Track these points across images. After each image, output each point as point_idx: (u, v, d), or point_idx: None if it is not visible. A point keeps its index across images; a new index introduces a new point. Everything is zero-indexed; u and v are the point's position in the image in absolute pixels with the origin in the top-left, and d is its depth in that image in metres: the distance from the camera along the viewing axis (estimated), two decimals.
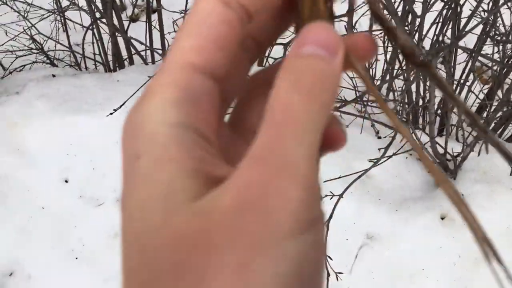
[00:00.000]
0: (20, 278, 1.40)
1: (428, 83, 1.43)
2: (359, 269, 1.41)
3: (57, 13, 2.05)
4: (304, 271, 0.17)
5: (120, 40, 1.93)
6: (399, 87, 1.60)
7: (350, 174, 1.17)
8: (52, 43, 2.15)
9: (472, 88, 1.62)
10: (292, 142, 0.18)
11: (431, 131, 1.42)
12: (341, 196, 1.07)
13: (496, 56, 1.55)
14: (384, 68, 1.62)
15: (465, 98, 1.64)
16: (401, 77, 1.49)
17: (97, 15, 1.83)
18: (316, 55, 0.19)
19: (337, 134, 0.22)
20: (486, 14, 1.33)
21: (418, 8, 1.27)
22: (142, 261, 0.18)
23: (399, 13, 1.33)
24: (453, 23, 1.35)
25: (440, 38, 1.41)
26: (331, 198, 1.06)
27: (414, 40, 1.34)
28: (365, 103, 1.49)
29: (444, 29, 1.40)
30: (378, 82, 1.67)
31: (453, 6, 1.31)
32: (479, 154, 1.56)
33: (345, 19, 1.01)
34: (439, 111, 1.73)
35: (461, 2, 1.34)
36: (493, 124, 1.74)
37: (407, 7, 1.25)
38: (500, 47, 1.49)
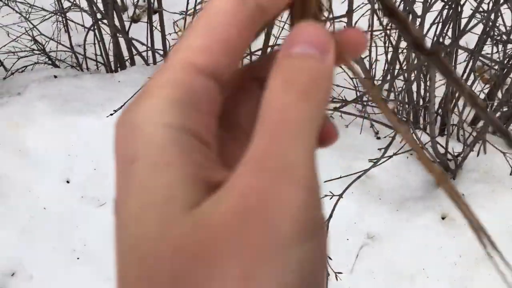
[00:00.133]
0: (22, 278, 1.41)
1: (428, 83, 1.43)
2: (360, 269, 1.41)
3: (58, 14, 2.05)
4: (309, 278, 0.17)
5: (122, 41, 1.93)
6: (399, 87, 1.60)
7: (350, 174, 1.17)
8: (53, 44, 2.16)
9: (473, 88, 1.62)
10: (290, 144, 0.17)
11: (431, 131, 1.42)
12: (340, 196, 1.07)
13: (497, 56, 1.55)
14: (385, 68, 1.62)
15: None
16: (401, 77, 1.50)
17: (99, 16, 1.83)
18: (308, 55, 0.19)
19: (328, 130, 0.22)
20: (486, 14, 1.33)
21: (418, 8, 1.27)
22: (139, 274, 0.17)
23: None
24: (454, 23, 1.35)
25: (441, 38, 1.41)
26: (331, 198, 1.06)
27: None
28: (365, 103, 1.49)
29: (445, 29, 1.40)
30: (379, 83, 1.67)
31: (453, 6, 1.31)
32: (478, 154, 1.56)
33: (345, 19, 1.01)
34: (439, 111, 1.73)
35: (462, 2, 1.34)
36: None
37: (407, 8, 1.26)
38: (501, 47, 1.49)
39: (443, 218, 1.47)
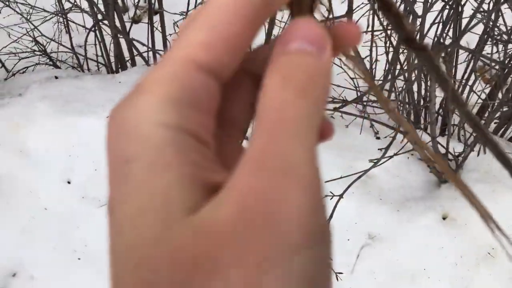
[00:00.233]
0: (23, 279, 1.41)
1: (429, 83, 1.43)
2: (361, 269, 1.41)
3: (59, 15, 2.06)
4: (316, 284, 0.16)
5: (122, 42, 1.94)
6: (399, 87, 1.60)
7: (351, 175, 1.17)
8: (54, 45, 2.16)
9: (474, 88, 1.62)
10: (289, 142, 0.17)
11: (432, 131, 1.42)
12: (341, 196, 1.07)
13: (497, 56, 1.55)
14: (386, 69, 1.62)
15: (466, 98, 1.64)
16: (402, 77, 1.50)
17: (99, 16, 1.84)
18: (304, 51, 0.18)
19: (324, 126, 0.21)
20: (486, 14, 1.33)
21: (418, 8, 1.27)
22: (135, 281, 0.16)
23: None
24: (454, 23, 1.35)
25: (442, 38, 1.41)
26: (331, 199, 1.06)
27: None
28: (365, 103, 1.49)
29: (446, 29, 1.40)
30: (379, 83, 1.67)
31: (454, 6, 1.31)
32: (478, 154, 1.56)
33: (345, 19, 1.01)
34: (440, 111, 1.73)
35: (462, 2, 1.34)
36: (494, 125, 1.74)
37: (408, 8, 1.26)
38: (501, 47, 1.49)
39: (444, 219, 1.47)
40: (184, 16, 1.56)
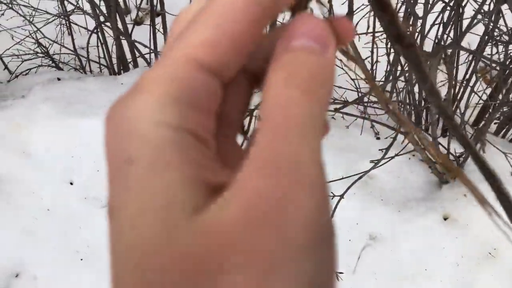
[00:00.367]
0: (26, 279, 1.42)
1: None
2: (362, 270, 1.42)
3: (62, 17, 2.07)
4: (321, 285, 0.16)
5: (125, 43, 1.94)
6: (400, 88, 1.60)
7: (352, 175, 1.17)
8: (57, 46, 2.17)
9: (475, 89, 1.62)
10: (297, 143, 0.16)
11: (433, 131, 1.43)
12: (342, 196, 1.07)
13: (498, 56, 1.55)
14: (387, 69, 1.62)
15: (467, 99, 1.64)
16: (403, 78, 1.50)
17: (102, 18, 1.85)
18: (308, 48, 0.18)
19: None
20: (487, 14, 1.33)
21: (419, 9, 1.27)
22: (137, 282, 0.16)
23: (401, 15, 1.33)
24: (455, 24, 1.35)
25: (443, 40, 1.41)
26: (332, 199, 1.07)
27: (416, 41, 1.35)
28: (366, 104, 1.49)
29: (447, 30, 1.41)
30: (380, 84, 1.67)
31: (455, 7, 1.31)
32: None
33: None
34: None
35: (463, 4, 1.34)
36: (494, 125, 1.74)
37: (409, 9, 1.26)
38: (502, 48, 1.49)
39: (445, 219, 1.47)
40: None
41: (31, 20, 2.05)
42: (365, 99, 1.47)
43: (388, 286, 1.39)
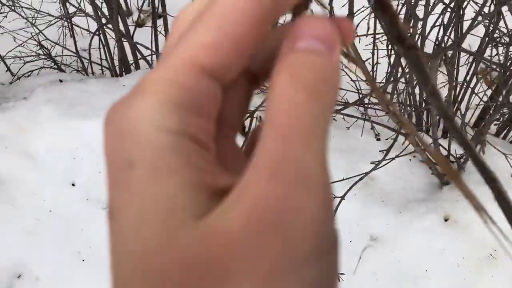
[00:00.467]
0: (28, 280, 1.42)
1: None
2: (363, 271, 1.42)
3: (64, 19, 2.08)
4: None
5: (126, 45, 1.95)
6: (401, 90, 1.60)
7: (353, 177, 1.18)
8: (59, 48, 2.18)
9: (476, 90, 1.62)
10: (304, 149, 0.16)
11: (434, 133, 1.43)
12: (342, 197, 1.08)
13: (499, 58, 1.55)
14: (388, 71, 1.63)
15: (468, 100, 1.64)
16: (403, 79, 1.50)
17: (104, 20, 1.85)
18: (314, 50, 0.18)
19: None
20: (487, 16, 1.33)
21: (419, 11, 1.28)
22: (139, 287, 0.16)
23: (401, 16, 1.34)
24: (456, 26, 1.35)
25: (444, 41, 1.42)
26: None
27: (417, 43, 1.35)
28: (367, 105, 1.50)
29: (448, 32, 1.41)
30: (381, 85, 1.68)
31: (455, 9, 1.31)
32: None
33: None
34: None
35: (464, 5, 1.35)
36: (494, 126, 1.74)
37: (409, 11, 1.26)
38: (502, 49, 1.50)
39: (446, 220, 1.47)
40: None
41: (33, 22, 2.06)
42: (366, 100, 1.48)
43: (389, 287, 1.39)
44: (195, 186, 0.16)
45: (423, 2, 1.29)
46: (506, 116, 1.70)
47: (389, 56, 1.55)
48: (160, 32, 1.91)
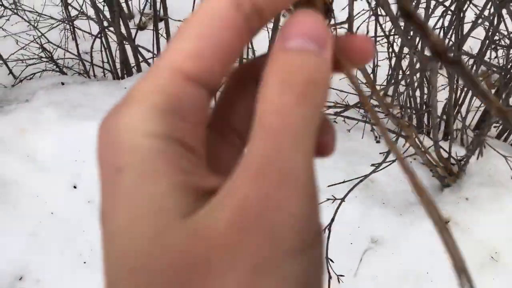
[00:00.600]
0: (29, 283, 1.43)
1: (430, 88, 1.44)
2: (364, 273, 1.42)
3: (66, 22, 2.09)
4: (309, 286, 0.17)
5: (128, 48, 1.96)
6: (402, 92, 1.61)
7: (353, 179, 1.18)
8: (61, 51, 2.19)
9: None
10: (289, 150, 0.16)
11: (434, 135, 1.43)
12: (343, 200, 1.08)
13: (500, 60, 1.55)
14: (389, 73, 1.63)
15: (469, 103, 1.65)
16: (404, 82, 1.51)
17: (105, 23, 1.86)
18: (305, 50, 0.18)
19: (325, 143, 0.21)
20: (490, 19, 1.34)
21: (420, 13, 1.28)
22: (131, 286, 0.16)
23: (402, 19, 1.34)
24: (456, 29, 1.36)
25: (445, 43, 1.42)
26: (333, 202, 1.07)
27: (417, 45, 1.35)
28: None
29: (448, 34, 1.41)
30: (381, 88, 1.68)
31: (456, 12, 1.32)
32: (478, 158, 1.57)
33: (345, 25, 1.02)
34: (444, 116, 1.74)
35: (464, 8, 1.35)
36: (494, 129, 1.74)
37: None
38: (502, 52, 1.50)
39: (446, 222, 1.47)
40: None
41: (35, 25, 2.07)
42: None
43: None
44: (181, 188, 0.17)
45: (424, 5, 1.29)
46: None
47: (389, 58, 1.55)
48: (161, 35, 1.92)
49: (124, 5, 2.15)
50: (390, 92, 1.93)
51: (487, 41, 1.45)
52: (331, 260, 1.04)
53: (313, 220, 0.17)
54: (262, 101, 0.17)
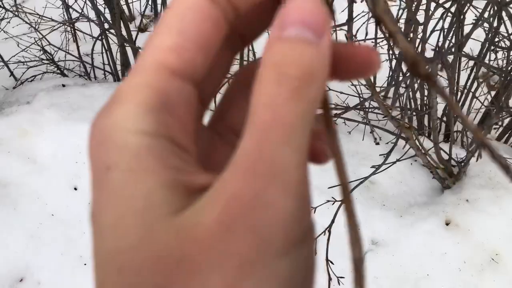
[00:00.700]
0: (30, 284, 1.43)
1: (430, 89, 1.44)
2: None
3: (67, 24, 2.09)
4: (297, 286, 0.16)
5: (129, 50, 1.96)
6: (401, 93, 1.61)
7: (353, 181, 1.18)
8: (62, 53, 2.19)
9: (476, 94, 1.62)
10: (280, 147, 0.16)
11: (434, 137, 1.43)
12: (342, 202, 1.08)
13: (500, 62, 1.55)
14: (389, 75, 1.63)
15: (469, 105, 1.65)
16: (404, 84, 1.51)
17: (106, 26, 1.87)
18: (301, 39, 0.17)
19: (319, 150, 0.21)
20: (490, 20, 1.34)
21: (420, 15, 1.28)
22: (118, 285, 0.16)
23: (402, 21, 1.34)
24: (456, 31, 1.36)
25: (444, 45, 1.42)
26: (333, 204, 1.07)
27: (417, 48, 1.36)
28: (367, 109, 1.50)
29: (449, 36, 1.41)
30: (382, 89, 1.68)
31: (456, 14, 1.32)
32: (477, 159, 1.57)
33: (345, 28, 1.02)
34: (444, 118, 1.74)
35: (464, 10, 1.35)
36: (494, 130, 1.74)
37: (410, 18, 1.27)
38: (502, 54, 1.50)
39: (447, 224, 1.47)
40: None
41: (36, 27, 2.07)
42: (366, 104, 1.48)
43: None
44: (171, 185, 0.17)
45: (424, 7, 1.29)
46: (506, 121, 1.70)
47: (390, 60, 1.56)
48: None
49: (125, 7, 2.15)
50: (390, 94, 1.93)
51: (487, 43, 1.45)
52: (331, 262, 1.04)
53: (302, 220, 0.16)
54: (256, 94, 0.17)
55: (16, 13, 2.06)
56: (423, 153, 1.33)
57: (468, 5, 1.31)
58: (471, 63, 1.63)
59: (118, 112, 0.18)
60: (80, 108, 1.74)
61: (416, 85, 1.55)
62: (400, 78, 1.52)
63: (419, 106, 1.64)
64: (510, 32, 1.39)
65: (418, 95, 1.61)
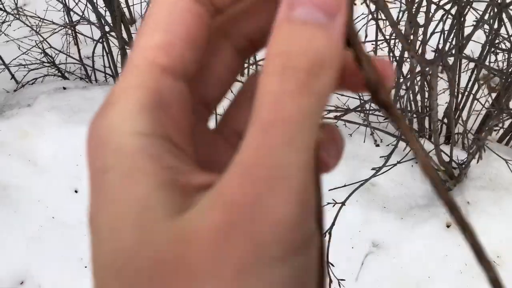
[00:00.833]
0: (31, 287, 1.43)
1: (430, 91, 1.44)
2: (365, 277, 1.41)
3: (68, 27, 2.10)
4: None
5: (130, 53, 1.96)
6: (402, 95, 1.61)
7: (354, 183, 1.18)
8: (63, 56, 2.20)
9: (477, 96, 1.62)
10: (283, 147, 0.15)
11: (435, 139, 1.43)
12: (343, 204, 1.08)
13: (501, 64, 1.55)
14: None
15: (470, 107, 1.64)
16: (404, 86, 1.51)
17: (107, 28, 1.87)
18: (312, 22, 0.15)
19: (324, 159, 0.19)
20: (490, 22, 1.34)
21: (420, 17, 1.28)
22: (117, 286, 0.16)
23: (402, 23, 1.34)
24: (457, 33, 1.36)
25: (445, 47, 1.42)
26: (333, 206, 1.07)
27: (417, 50, 1.36)
28: (368, 111, 1.50)
29: (449, 38, 1.41)
30: None
31: (457, 15, 1.32)
32: (478, 161, 1.56)
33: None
34: (445, 120, 1.74)
35: (464, 12, 1.35)
36: (497, 134, 1.74)
37: (410, 20, 1.27)
38: (503, 56, 1.50)
39: (448, 226, 1.47)
40: None
41: (37, 30, 2.07)
42: (367, 106, 1.48)
43: None
44: (167, 186, 0.16)
45: (424, 9, 1.29)
46: (506, 123, 1.70)
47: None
48: None
49: (125, 10, 2.16)
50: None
51: (488, 45, 1.45)
52: (332, 265, 1.04)
53: (304, 226, 0.16)
54: (259, 90, 0.16)
55: (17, 16, 2.06)
56: (424, 156, 1.33)
57: (469, 7, 1.31)
58: (472, 65, 1.63)
59: (113, 114, 0.18)
60: (81, 111, 1.74)
61: (416, 88, 1.55)
62: (400, 80, 1.52)
63: (419, 108, 1.63)
64: (510, 34, 1.39)
65: (418, 97, 1.61)
